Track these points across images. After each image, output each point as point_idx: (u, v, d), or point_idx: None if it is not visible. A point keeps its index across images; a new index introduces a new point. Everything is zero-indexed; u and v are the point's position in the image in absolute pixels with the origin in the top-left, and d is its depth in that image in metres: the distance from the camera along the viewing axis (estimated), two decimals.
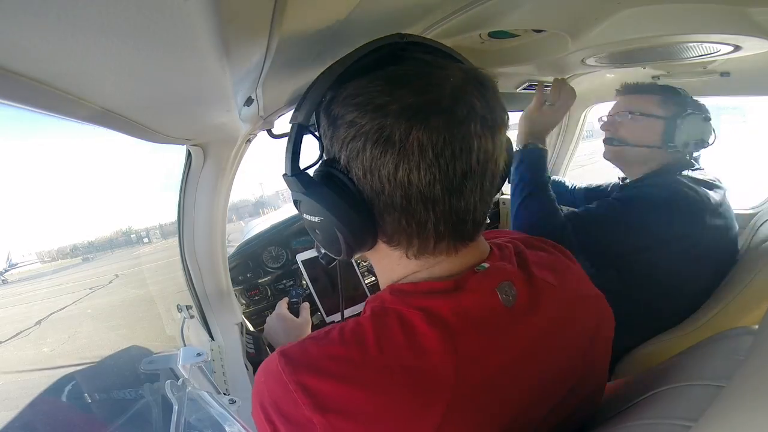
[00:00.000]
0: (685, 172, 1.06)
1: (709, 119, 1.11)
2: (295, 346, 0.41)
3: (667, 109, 1.10)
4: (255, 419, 0.43)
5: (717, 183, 1.07)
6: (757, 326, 0.35)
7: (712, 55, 0.83)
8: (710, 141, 1.12)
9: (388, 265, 0.47)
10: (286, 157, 0.46)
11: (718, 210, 1.02)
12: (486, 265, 0.44)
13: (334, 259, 0.52)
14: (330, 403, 0.37)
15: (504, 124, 0.42)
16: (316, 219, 0.44)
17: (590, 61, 0.94)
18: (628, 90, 1.17)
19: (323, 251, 0.52)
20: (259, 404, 0.41)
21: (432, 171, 0.38)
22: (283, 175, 0.46)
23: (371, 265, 1.70)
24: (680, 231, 0.99)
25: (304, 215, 0.47)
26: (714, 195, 1.02)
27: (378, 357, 0.38)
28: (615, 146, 1.17)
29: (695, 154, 1.14)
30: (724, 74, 1.11)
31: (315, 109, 0.45)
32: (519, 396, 0.41)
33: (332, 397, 0.37)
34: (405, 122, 0.37)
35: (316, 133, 0.46)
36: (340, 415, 0.37)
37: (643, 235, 1.00)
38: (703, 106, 1.13)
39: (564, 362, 0.45)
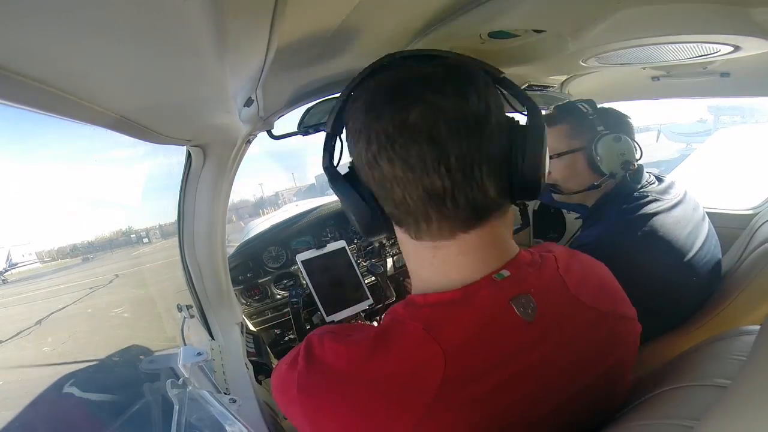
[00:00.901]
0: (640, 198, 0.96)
1: (620, 138, 0.98)
2: (319, 336, 0.47)
3: (580, 135, 1.00)
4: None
5: (661, 197, 0.96)
6: (758, 326, 0.35)
7: (712, 55, 0.83)
8: (636, 158, 1.00)
9: (412, 257, 0.49)
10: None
11: (654, 228, 0.92)
12: (506, 273, 0.44)
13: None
14: (313, 390, 0.42)
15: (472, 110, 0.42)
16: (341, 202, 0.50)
17: (590, 61, 0.94)
18: None
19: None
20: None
21: (388, 153, 0.41)
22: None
23: (372, 265, 1.70)
24: (622, 262, 0.79)
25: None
26: (647, 216, 0.93)
27: (366, 367, 0.41)
28: (560, 194, 1.08)
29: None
30: (724, 74, 1.11)
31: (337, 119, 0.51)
32: (517, 411, 0.41)
33: (318, 387, 0.42)
34: (365, 115, 0.43)
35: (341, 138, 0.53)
36: (319, 409, 0.42)
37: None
38: (612, 114, 1.03)
39: (576, 383, 0.43)
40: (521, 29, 0.73)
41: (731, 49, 0.77)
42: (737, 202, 1.39)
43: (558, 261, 0.47)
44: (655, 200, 0.97)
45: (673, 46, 0.80)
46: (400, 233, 0.48)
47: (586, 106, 1.03)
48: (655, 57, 0.89)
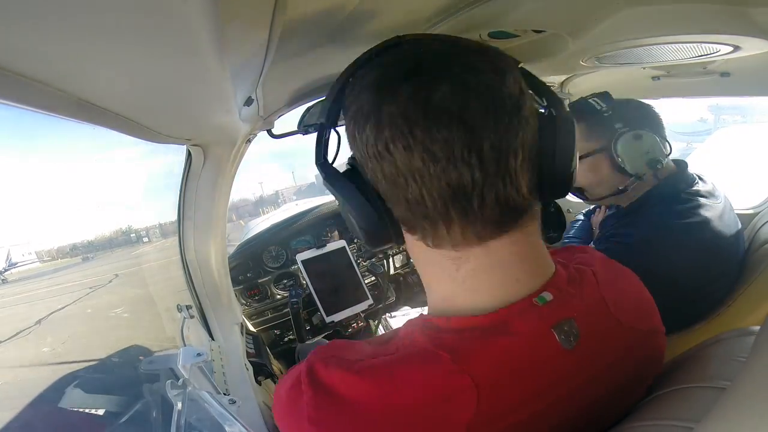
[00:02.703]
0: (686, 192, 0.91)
1: (640, 135, 0.90)
2: (322, 360, 0.40)
3: (597, 136, 0.93)
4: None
5: (709, 202, 0.92)
6: (758, 327, 0.35)
7: (712, 55, 0.83)
8: (666, 155, 0.92)
9: (429, 269, 0.42)
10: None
11: (708, 235, 0.89)
12: (548, 296, 0.38)
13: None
14: (328, 424, 0.37)
15: (507, 88, 0.36)
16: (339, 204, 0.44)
17: (590, 61, 0.94)
18: None
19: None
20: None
21: (405, 139, 0.34)
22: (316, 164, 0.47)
23: (372, 265, 1.70)
24: (669, 267, 0.84)
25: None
26: (703, 222, 0.89)
27: (389, 398, 0.36)
28: (588, 199, 1.01)
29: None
30: (724, 74, 1.10)
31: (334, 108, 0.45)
32: None
33: (333, 422, 0.37)
34: (375, 95, 0.36)
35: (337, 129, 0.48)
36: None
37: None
38: (632, 106, 0.96)
39: (616, 407, 0.41)
40: (521, 29, 0.73)
41: (731, 49, 0.77)
42: (738, 201, 1.39)
43: (597, 276, 0.42)
44: (705, 205, 0.91)
45: (673, 46, 0.80)
46: (412, 241, 0.41)
47: (599, 101, 0.94)
48: (655, 57, 0.89)
